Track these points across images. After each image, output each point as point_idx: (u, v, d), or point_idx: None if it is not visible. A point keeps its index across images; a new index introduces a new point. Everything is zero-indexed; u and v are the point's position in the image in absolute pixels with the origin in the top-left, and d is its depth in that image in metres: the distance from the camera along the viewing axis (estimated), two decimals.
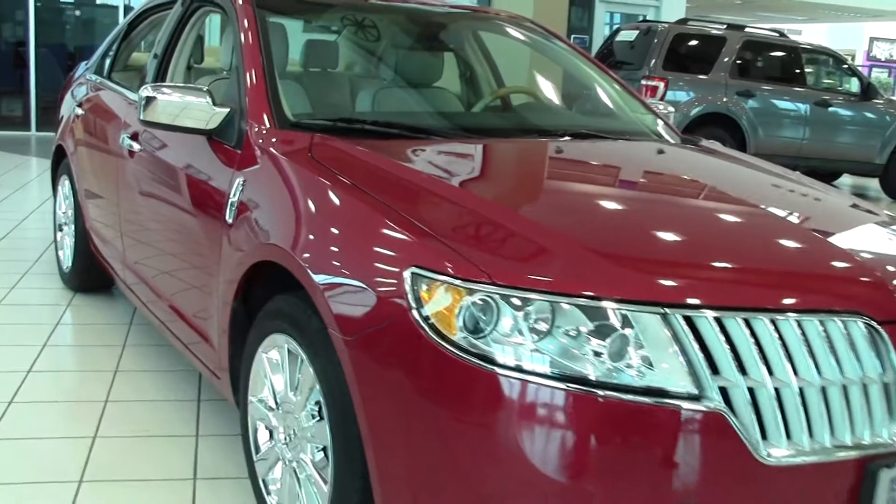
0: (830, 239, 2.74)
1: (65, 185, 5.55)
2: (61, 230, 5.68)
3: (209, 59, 4.98)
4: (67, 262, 5.51)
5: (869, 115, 12.53)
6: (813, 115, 12.20)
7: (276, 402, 2.88)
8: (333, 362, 2.49)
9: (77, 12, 15.16)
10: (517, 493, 2.17)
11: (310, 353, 2.61)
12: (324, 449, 2.62)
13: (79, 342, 4.74)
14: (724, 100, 11.66)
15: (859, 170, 13.00)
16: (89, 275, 5.35)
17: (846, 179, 14.60)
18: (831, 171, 13.19)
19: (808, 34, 29.09)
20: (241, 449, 3.34)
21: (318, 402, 2.62)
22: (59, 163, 5.71)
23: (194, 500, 3.17)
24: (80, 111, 5.25)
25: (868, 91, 12.61)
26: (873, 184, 13.44)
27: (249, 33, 3.62)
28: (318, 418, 2.63)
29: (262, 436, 2.99)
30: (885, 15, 21.14)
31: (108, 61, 5.36)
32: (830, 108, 12.28)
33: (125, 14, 14.32)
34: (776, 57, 12.49)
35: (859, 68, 15.99)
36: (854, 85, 12.82)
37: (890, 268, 2.59)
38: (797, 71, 12.43)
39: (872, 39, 30.77)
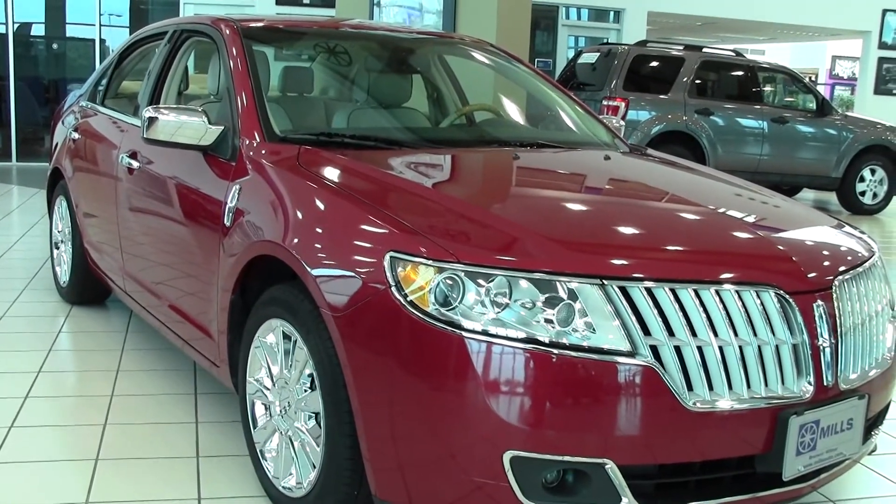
0: (747, 222, 3.21)
1: (61, 206, 5.93)
2: (58, 248, 6.06)
3: (193, 86, 5.39)
4: (64, 276, 5.89)
5: (825, 130, 12.93)
6: (770, 131, 12.59)
7: (273, 380, 3.28)
8: (323, 338, 2.90)
9: (54, 46, 15.50)
10: (484, 439, 2.58)
11: (302, 332, 3.02)
12: (316, 416, 3.02)
13: (80, 347, 5.13)
14: (684, 118, 12.07)
15: (817, 184, 13.40)
16: (85, 288, 5.75)
17: (808, 194, 15.08)
18: (790, 185, 13.63)
19: (772, 54, 29.63)
20: (237, 431, 3.76)
21: (310, 375, 3.03)
22: (55, 185, 6.09)
23: (198, 473, 3.56)
24: (76, 136, 5.64)
25: (823, 107, 13.01)
26: (833, 198, 13.89)
27: (238, 60, 4.04)
28: (310, 389, 3.04)
29: (259, 411, 3.39)
30: (844, 34, 21.63)
31: (101, 89, 5.75)
32: (787, 125, 12.68)
33: (100, 48, 14.69)
34: (733, 76, 12.92)
35: (815, 85, 16.53)
36: (810, 102, 13.28)
37: (799, 247, 3.04)
38: (754, 89, 12.85)
39: (835, 58, 31.30)
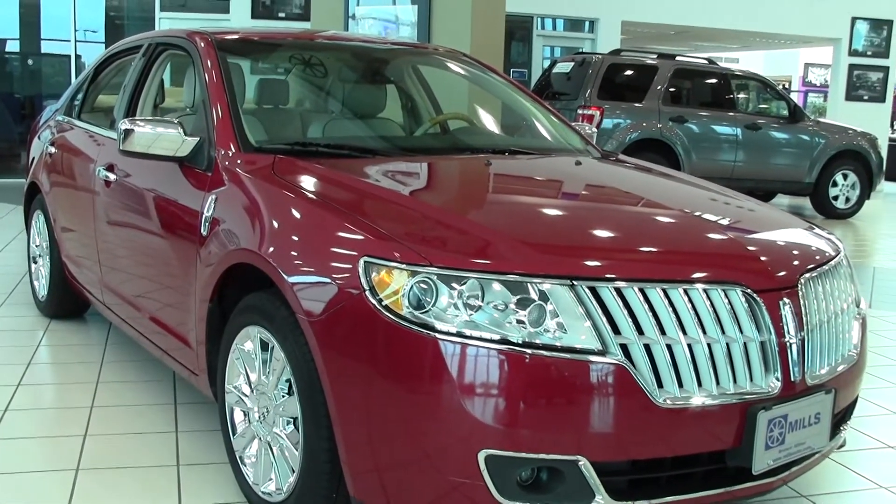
0: (714, 223, 3.28)
1: (39, 220, 5.95)
2: (35, 262, 6.07)
3: (169, 99, 5.43)
4: (43, 290, 5.91)
5: (798, 136, 13.06)
6: (744, 138, 12.70)
7: (251, 387, 3.32)
8: (300, 343, 2.94)
9: (29, 62, 15.48)
10: (459, 439, 2.63)
11: (280, 339, 3.06)
12: (294, 421, 3.06)
13: (60, 360, 5.15)
14: (659, 126, 12.16)
15: (791, 189, 13.53)
16: (64, 302, 5.76)
17: (782, 200, 15.20)
18: (765, 191, 13.72)
19: (746, 62, 29.77)
20: (217, 439, 3.79)
21: (287, 381, 3.07)
22: (32, 200, 6.11)
23: (179, 481, 3.59)
24: (52, 150, 5.66)
25: (795, 114, 13.16)
26: (807, 203, 14.00)
27: (213, 72, 4.08)
28: (288, 395, 3.08)
29: (238, 417, 3.43)
30: (816, 41, 21.77)
31: (76, 103, 5.78)
32: (761, 132, 12.80)
33: (76, 64, 14.68)
34: (707, 83, 13.02)
35: (787, 92, 16.65)
36: (783, 109, 13.40)
37: (767, 246, 3.11)
38: (728, 96, 12.97)
39: (807, 65, 31.50)
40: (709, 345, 2.74)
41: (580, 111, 11.73)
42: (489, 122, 5.24)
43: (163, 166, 3.99)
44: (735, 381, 2.77)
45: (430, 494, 2.72)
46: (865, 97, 19.10)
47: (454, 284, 2.67)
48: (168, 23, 14.54)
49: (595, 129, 5.21)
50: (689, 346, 2.71)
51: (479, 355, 2.61)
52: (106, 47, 8.57)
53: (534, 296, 2.66)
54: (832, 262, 3.28)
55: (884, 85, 19.04)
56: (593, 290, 2.68)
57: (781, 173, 13.08)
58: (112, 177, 4.56)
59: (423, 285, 2.68)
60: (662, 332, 2.69)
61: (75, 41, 14.73)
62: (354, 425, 2.79)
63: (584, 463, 2.63)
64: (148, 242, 4.15)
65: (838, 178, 13.27)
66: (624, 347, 2.65)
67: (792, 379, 2.87)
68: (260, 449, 3.29)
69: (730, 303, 2.81)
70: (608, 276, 2.72)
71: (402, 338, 2.67)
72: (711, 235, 3.12)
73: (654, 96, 12.27)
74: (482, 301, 2.66)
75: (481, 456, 2.61)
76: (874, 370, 5.24)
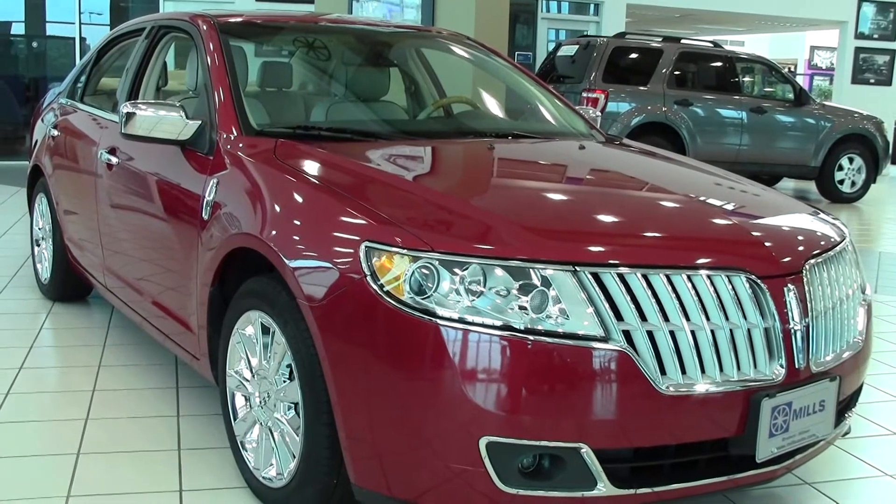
0: (718, 208, 3.26)
1: (42, 203, 5.94)
2: (38, 245, 6.06)
3: (171, 82, 5.40)
4: (45, 273, 5.90)
5: (803, 120, 13.01)
6: (749, 121, 12.65)
7: (252, 372, 3.31)
8: (301, 328, 2.93)
9: (34, 45, 15.45)
10: (460, 425, 2.61)
11: (280, 323, 3.05)
12: (295, 406, 3.05)
13: (62, 343, 5.14)
14: (664, 109, 12.11)
15: (796, 173, 13.48)
16: (66, 285, 5.76)
17: (788, 183, 15.16)
18: (770, 174, 13.69)
19: (751, 45, 29.68)
20: (218, 424, 3.79)
21: (288, 366, 3.05)
22: (35, 182, 6.10)
23: (180, 466, 3.58)
24: (55, 133, 5.65)
25: (801, 97, 13.09)
26: (812, 187, 13.96)
27: (216, 55, 4.06)
28: (288, 380, 3.07)
29: (240, 402, 3.42)
30: (822, 24, 21.69)
31: (79, 86, 5.76)
32: (766, 115, 12.75)
33: (80, 47, 14.65)
34: (712, 67, 12.97)
35: (793, 76, 16.60)
36: (788, 92, 13.35)
37: (771, 232, 3.09)
38: (733, 79, 12.91)
39: (813, 48, 31.39)
40: (712, 331, 2.72)
41: (584, 94, 11.68)
42: (493, 105, 5.21)
43: (165, 150, 3.97)
44: (739, 368, 2.75)
45: (431, 481, 2.70)
46: (872, 80, 19.04)
47: (456, 270, 2.65)
48: (172, 5, 14.51)
49: (599, 113, 5.18)
50: (693, 332, 2.69)
51: (480, 341, 2.59)
52: (110, 30, 8.57)
53: (536, 282, 2.64)
54: (837, 248, 3.26)
55: (890, 68, 18.98)
56: (596, 276, 2.66)
57: (787, 157, 13.03)
58: (114, 160, 4.54)
59: (424, 271, 2.66)
60: (665, 318, 2.67)
61: (80, 24, 14.69)
62: (355, 411, 2.78)
63: (586, 450, 2.62)
64: (149, 226, 4.13)
65: (844, 161, 13.22)
66: (626, 334, 2.63)
67: (796, 366, 2.85)
68: (261, 434, 3.28)
69: (734, 289, 2.79)
70: (611, 261, 2.70)
71: (404, 324, 2.65)
72: (716, 221, 3.10)
73: (659, 80, 12.21)
74: (484, 287, 2.64)
75: (483, 443, 2.60)
76: (879, 356, 5.22)
